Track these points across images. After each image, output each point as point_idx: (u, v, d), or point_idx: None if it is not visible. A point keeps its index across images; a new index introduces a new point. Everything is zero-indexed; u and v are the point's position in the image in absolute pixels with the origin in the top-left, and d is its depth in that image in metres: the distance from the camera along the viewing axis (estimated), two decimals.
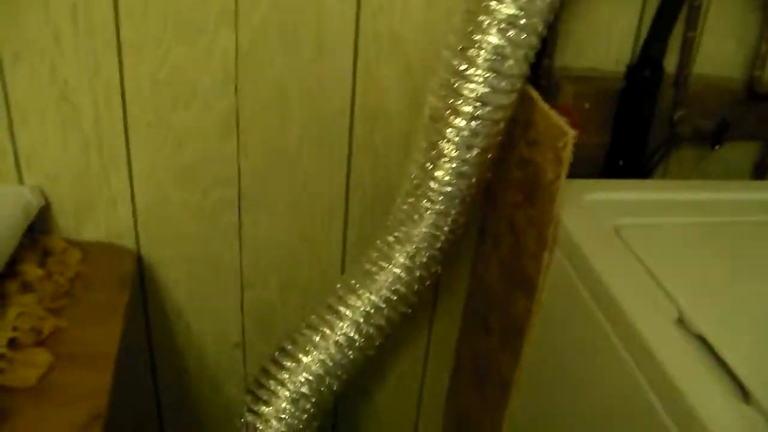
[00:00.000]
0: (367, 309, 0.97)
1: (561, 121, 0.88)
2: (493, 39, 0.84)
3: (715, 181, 1.07)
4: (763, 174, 1.26)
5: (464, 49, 0.86)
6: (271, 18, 0.97)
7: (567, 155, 0.87)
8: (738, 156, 1.25)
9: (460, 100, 0.88)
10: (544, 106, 0.92)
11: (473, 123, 0.89)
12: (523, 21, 0.83)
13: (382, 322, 1.00)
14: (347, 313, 0.98)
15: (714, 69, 1.16)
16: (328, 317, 1.00)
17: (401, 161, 1.05)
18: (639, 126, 1.10)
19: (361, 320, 0.98)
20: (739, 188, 1.09)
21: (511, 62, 0.86)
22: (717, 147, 1.16)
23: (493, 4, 0.83)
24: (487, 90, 0.87)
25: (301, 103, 1.04)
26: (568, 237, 0.91)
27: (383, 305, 0.98)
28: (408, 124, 1.08)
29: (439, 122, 0.91)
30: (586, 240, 0.89)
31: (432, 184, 0.93)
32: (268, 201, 1.10)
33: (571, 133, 0.85)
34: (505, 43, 0.84)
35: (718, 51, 1.15)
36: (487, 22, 0.84)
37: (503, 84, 0.87)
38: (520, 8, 0.83)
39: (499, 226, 1.09)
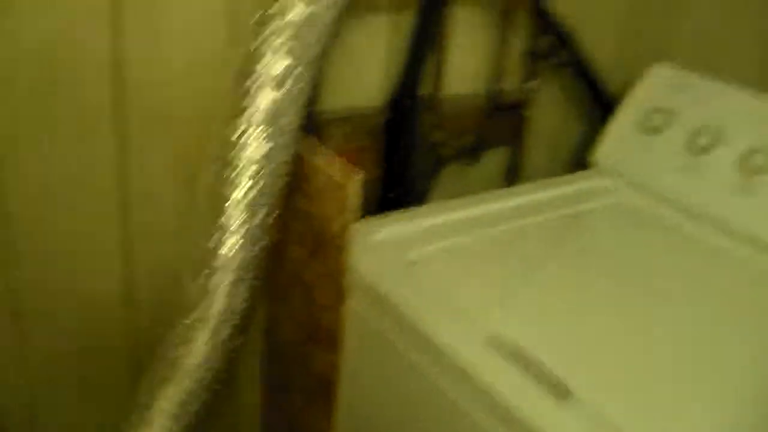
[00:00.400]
0: (182, 396, 0.92)
1: (340, 170, 0.89)
2: (269, 96, 0.83)
3: (484, 194, 1.13)
4: (514, 176, 1.36)
5: (238, 114, 0.84)
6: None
7: (351, 203, 0.88)
8: (494, 163, 1.34)
9: (236, 170, 0.86)
10: (320, 157, 0.93)
11: (256, 188, 0.87)
12: (298, 70, 0.84)
13: (197, 406, 0.95)
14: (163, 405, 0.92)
15: (463, 88, 1.22)
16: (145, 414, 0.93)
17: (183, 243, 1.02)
18: (406, 155, 1.13)
19: (178, 410, 0.93)
20: (507, 195, 1.16)
21: (288, 117, 0.86)
22: (477, 161, 1.23)
23: (267, 58, 0.82)
24: (269, 146, 0.85)
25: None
26: (363, 282, 0.91)
27: (197, 389, 0.93)
28: (182, 202, 1.04)
29: (216, 197, 0.88)
30: (381, 281, 0.90)
31: (222, 257, 0.90)
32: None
33: (356, 178, 0.86)
34: (281, 97, 0.84)
35: (464, 70, 1.22)
36: (260, 80, 0.83)
37: (282, 140, 0.86)
38: (296, 58, 0.83)
39: (287, 282, 1.08)
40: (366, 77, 1.13)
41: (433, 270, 0.93)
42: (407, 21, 1.12)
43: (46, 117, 0.90)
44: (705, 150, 1.11)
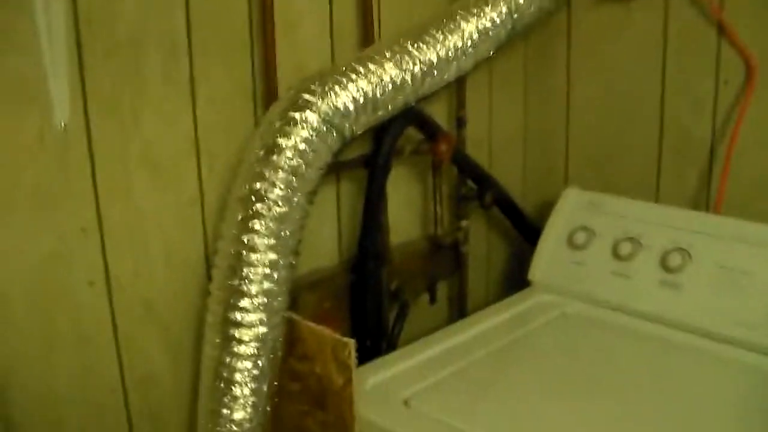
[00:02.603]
0: None
1: (333, 333, 1.05)
2: (261, 286, 1.00)
3: (448, 327, 1.30)
4: (461, 304, 1.56)
5: (235, 304, 1.00)
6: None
7: (352, 361, 1.04)
8: (442, 295, 1.54)
9: (238, 350, 1.00)
10: (310, 323, 1.09)
11: (256, 368, 1.02)
12: (285, 260, 1.01)
13: None
14: None
15: (406, 236, 1.43)
16: None
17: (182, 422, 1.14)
18: (374, 308, 1.31)
19: None
20: (466, 326, 1.32)
21: (279, 299, 1.02)
22: (435, 300, 1.42)
23: (256, 255, 0.99)
24: (264, 330, 1.01)
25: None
26: (368, 425, 1.05)
27: None
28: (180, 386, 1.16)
29: (220, 380, 1.02)
30: (384, 424, 1.05)
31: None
32: None
33: (351, 342, 1.02)
34: (273, 286, 1.01)
35: (405, 220, 1.43)
36: (251, 274, 1.00)
37: (275, 319, 1.02)
38: (276, 237, 1.00)
39: None
40: (323, 241, 1.31)
41: (430, 404, 1.07)
42: (349, 188, 1.33)
43: (44, 331, 1.02)
44: (629, 257, 1.32)
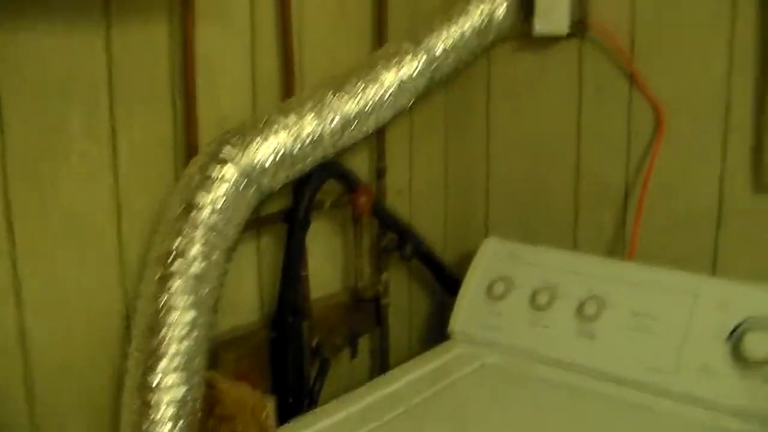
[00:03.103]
0: None
1: (253, 392, 1.05)
2: (181, 345, 0.99)
3: (369, 384, 1.31)
4: (383, 358, 1.57)
5: (153, 366, 0.99)
6: None
7: (271, 422, 1.03)
8: (364, 348, 1.55)
9: (156, 416, 0.98)
10: (229, 382, 1.08)
11: (177, 427, 1.00)
12: (202, 320, 1.00)
13: None
14: None
15: (327, 290, 1.43)
16: None
17: None
18: (295, 365, 1.31)
19: None
20: (388, 381, 1.33)
21: (197, 359, 1.01)
22: (357, 355, 1.43)
23: (175, 314, 0.98)
24: (184, 389, 1.00)
25: None
26: None
27: None
28: None
29: None
30: None
31: None
32: None
33: (270, 404, 1.02)
34: (191, 344, 1.00)
35: (325, 274, 1.43)
36: (171, 334, 0.99)
37: (195, 380, 1.01)
38: (195, 295, 1.00)
39: None
40: (244, 297, 1.30)
41: None
42: (270, 242, 1.33)
43: None
44: (546, 306, 1.35)
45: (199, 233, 1.01)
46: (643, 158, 1.47)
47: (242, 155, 1.06)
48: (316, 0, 1.36)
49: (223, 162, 1.04)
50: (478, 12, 1.36)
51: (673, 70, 1.41)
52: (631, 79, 1.46)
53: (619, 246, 1.52)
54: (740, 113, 1.34)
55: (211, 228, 1.02)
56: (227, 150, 1.05)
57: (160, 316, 0.99)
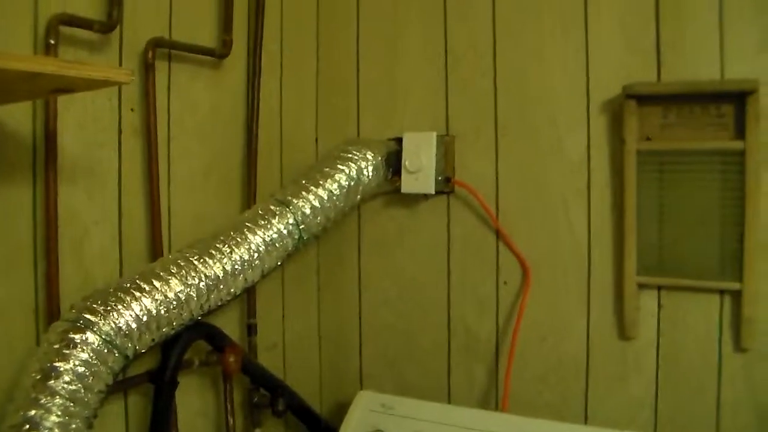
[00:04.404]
0: None
1: None
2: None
3: None
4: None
5: None
6: None
7: None
8: None
9: None
10: None
11: None
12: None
13: None
14: None
15: None
16: None
17: None
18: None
19: None
20: None
21: None
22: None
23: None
24: None
25: None
26: None
27: None
28: None
29: None
30: None
31: None
32: None
33: None
34: None
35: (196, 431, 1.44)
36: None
37: None
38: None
39: None
40: None
41: None
42: (138, 402, 1.32)
43: None
44: None
45: (57, 402, 1.01)
46: (512, 309, 1.55)
47: (104, 321, 1.07)
48: (185, 163, 1.42)
49: (85, 328, 1.06)
50: (346, 173, 1.44)
51: (535, 229, 1.52)
52: (498, 235, 1.56)
53: (492, 397, 1.58)
54: (602, 268, 1.45)
55: (71, 397, 1.02)
56: (89, 315, 1.07)
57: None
